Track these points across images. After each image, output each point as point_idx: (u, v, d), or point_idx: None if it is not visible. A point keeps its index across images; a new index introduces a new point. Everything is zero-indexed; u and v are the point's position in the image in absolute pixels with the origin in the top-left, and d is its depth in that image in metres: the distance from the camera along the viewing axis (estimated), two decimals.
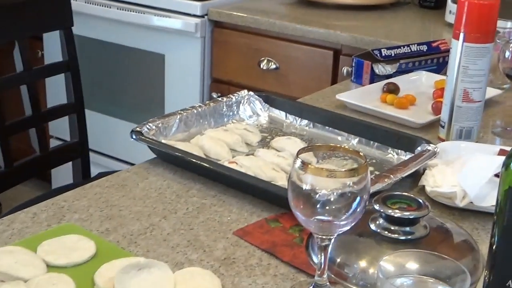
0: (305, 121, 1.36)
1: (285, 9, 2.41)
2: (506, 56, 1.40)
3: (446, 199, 1.07)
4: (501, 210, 0.69)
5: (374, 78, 1.65)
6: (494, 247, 0.71)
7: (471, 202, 1.06)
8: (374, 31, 2.14)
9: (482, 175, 1.06)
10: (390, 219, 0.91)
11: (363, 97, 1.51)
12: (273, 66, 2.24)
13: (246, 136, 1.28)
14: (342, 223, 0.79)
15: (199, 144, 1.23)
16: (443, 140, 1.31)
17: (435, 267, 0.75)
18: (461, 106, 1.29)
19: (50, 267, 0.87)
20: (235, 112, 1.38)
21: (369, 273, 0.87)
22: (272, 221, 1.02)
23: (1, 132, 1.64)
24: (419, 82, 1.65)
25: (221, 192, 1.10)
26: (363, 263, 0.88)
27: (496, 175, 1.05)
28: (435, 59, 1.73)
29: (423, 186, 1.11)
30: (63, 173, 2.23)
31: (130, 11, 2.44)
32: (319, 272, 0.83)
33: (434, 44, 1.73)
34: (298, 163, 0.77)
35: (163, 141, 1.22)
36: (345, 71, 2.08)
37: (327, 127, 1.33)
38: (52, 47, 2.50)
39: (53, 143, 2.66)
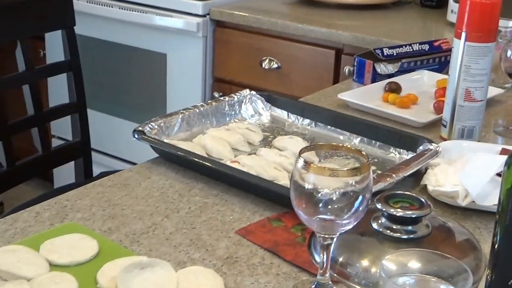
0: (307, 121, 1.36)
1: (287, 9, 2.41)
2: (508, 55, 1.41)
3: (448, 198, 1.07)
4: (503, 209, 0.69)
5: (376, 77, 1.65)
6: (496, 246, 0.71)
7: (473, 201, 1.06)
8: (376, 30, 2.14)
9: (484, 174, 1.07)
10: (392, 218, 0.91)
11: (365, 97, 1.51)
12: (275, 66, 2.24)
13: (248, 136, 1.28)
14: (344, 222, 0.79)
15: (201, 144, 1.23)
16: (445, 139, 1.31)
17: (437, 266, 0.75)
18: (463, 105, 1.29)
19: (53, 266, 0.88)
20: (237, 112, 1.38)
21: (371, 272, 0.87)
22: (274, 220, 1.02)
23: (3, 131, 1.64)
24: (421, 82, 1.65)
25: (223, 191, 1.10)
26: (365, 262, 0.88)
27: (498, 174, 1.05)
28: (437, 58, 1.73)
29: (425, 185, 1.11)
30: (65, 173, 2.23)
31: (132, 10, 2.44)
32: (321, 271, 0.83)
33: (436, 43, 1.73)
34: (301, 162, 0.78)
35: (165, 140, 1.22)
36: (347, 70, 2.08)
37: (329, 127, 1.33)
38: (54, 46, 2.50)
39: (55, 142, 2.67)
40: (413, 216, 0.91)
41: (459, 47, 1.26)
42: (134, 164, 1.26)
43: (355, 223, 0.80)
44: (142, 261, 0.86)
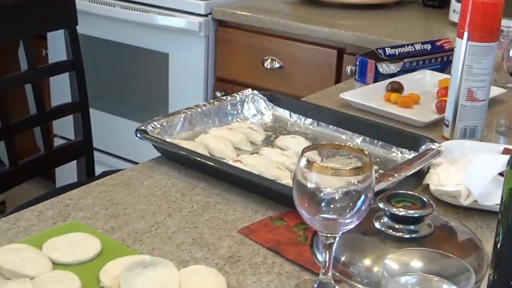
0: (309, 120, 1.36)
1: (289, 8, 2.41)
2: (510, 55, 1.41)
3: (450, 198, 1.07)
4: (505, 208, 0.69)
5: (378, 77, 1.65)
6: (498, 246, 0.71)
7: (476, 201, 1.06)
8: (378, 30, 2.14)
9: (486, 174, 1.07)
10: (394, 218, 0.91)
11: (367, 96, 1.51)
12: (277, 65, 2.24)
13: (250, 135, 1.28)
14: (346, 221, 0.79)
15: (203, 143, 1.23)
16: (447, 139, 1.31)
17: (439, 265, 0.75)
18: (465, 105, 1.29)
19: (56, 265, 0.88)
20: (240, 111, 1.38)
21: (373, 271, 0.87)
22: (277, 220, 1.02)
23: (5, 130, 1.64)
24: (423, 81, 1.65)
25: (225, 190, 1.10)
26: (367, 262, 0.89)
27: (501, 174, 1.05)
28: (439, 58, 1.73)
29: (428, 185, 1.11)
30: (67, 172, 2.23)
31: (134, 10, 2.44)
32: (324, 271, 0.84)
33: (438, 43, 1.73)
34: (303, 161, 0.78)
35: (167, 139, 1.22)
36: (349, 70, 2.08)
37: (331, 126, 1.33)
38: (56, 46, 2.50)
39: (58, 142, 2.67)
40: (415, 215, 0.91)
41: (461, 47, 1.26)
42: (137, 163, 1.26)
43: (358, 222, 0.80)
44: (144, 260, 0.86)
